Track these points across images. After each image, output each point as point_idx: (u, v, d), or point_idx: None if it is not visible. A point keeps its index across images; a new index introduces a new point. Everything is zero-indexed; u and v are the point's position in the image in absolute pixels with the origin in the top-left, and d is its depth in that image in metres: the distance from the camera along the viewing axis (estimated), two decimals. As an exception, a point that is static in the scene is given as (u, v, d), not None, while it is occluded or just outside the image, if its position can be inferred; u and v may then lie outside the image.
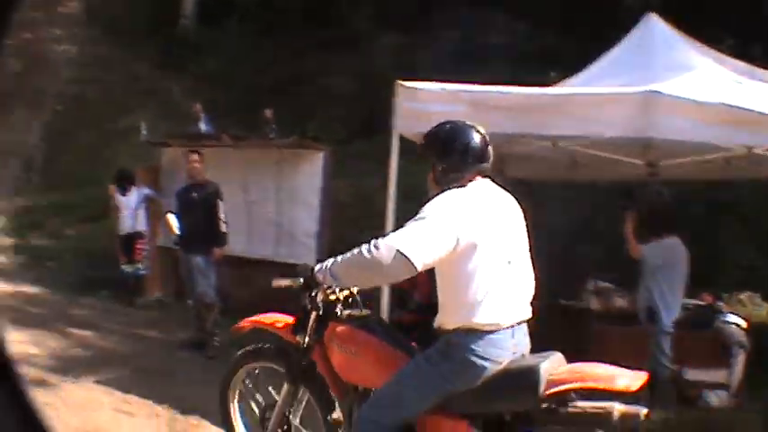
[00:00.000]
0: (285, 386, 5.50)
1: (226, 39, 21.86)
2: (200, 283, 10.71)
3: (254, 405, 5.84)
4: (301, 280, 4.91)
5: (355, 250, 4.48)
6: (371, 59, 18.99)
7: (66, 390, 8.96)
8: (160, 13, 23.43)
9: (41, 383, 9.11)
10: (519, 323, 4.63)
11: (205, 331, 10.74)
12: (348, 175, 13.60)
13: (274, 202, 12.77)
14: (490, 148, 4.77)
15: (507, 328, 4.53)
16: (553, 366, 4.53)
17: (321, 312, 5.10)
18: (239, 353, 6.03)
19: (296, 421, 5.55)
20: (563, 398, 4.47)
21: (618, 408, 4.39)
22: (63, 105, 20.71)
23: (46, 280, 13.37)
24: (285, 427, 5.53)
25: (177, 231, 10.79)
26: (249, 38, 21.53)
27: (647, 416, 4.43)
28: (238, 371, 5.96)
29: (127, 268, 12.74)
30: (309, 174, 12.50)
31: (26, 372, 9.33)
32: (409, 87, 7.95)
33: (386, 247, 4.34)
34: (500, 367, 4.49)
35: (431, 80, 8.10)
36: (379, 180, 9.92)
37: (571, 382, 4.46)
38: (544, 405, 4.48)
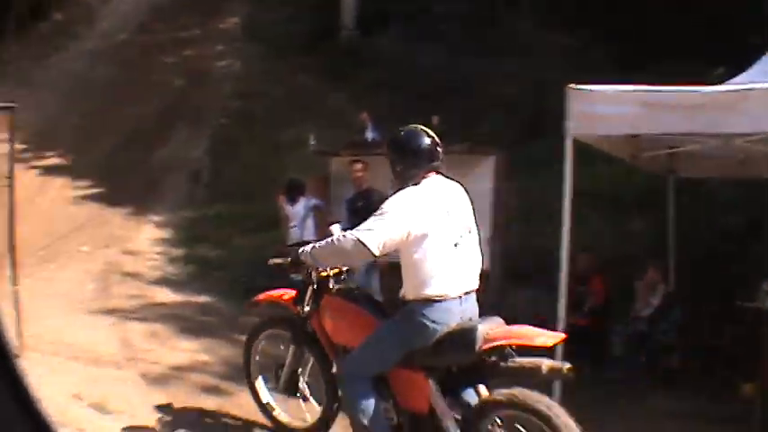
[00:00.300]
0: (291, 348, 7.11)
1: (388, 47, 22.07)
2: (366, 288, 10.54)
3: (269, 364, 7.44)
4: (289, 259, 6.32)
5: (329, 239, 5.97)
6: (535, 62, 18.79)
7: (239, 397, 9.15)
8: (320, 26, 23.82)
9: (214, 391, 9.37)
10: (466, 293, 5.83)
11: None
12: (516, 178, 13.43)
13: None
14: (440, 149, 5.94)
15: (455, 297, 5.74)
16: (491, 328, 5.67)
17: (316, 287, 6.66)
18: (258, 322, 7.86)
19: (305, 378, 7.09)
20: (504, 354, 5.61)
21: (546, 362, 5.57)
22: (228, 119, 21.27)
23: (215, 289, 13.70)
24: (294, 382, 7.14)
25: None
26: (411, 45, 21.61)
27: (569, 369, 5.61)
28: (258, 336, 7.60)
29: (296, 277, 12.88)
30: (480, 178, 12.32)
31: (199, 379, 9.64)
32: (581, 90, 7.99)
33: (351, 237, 5.64)
34: (448, 329, 5.68)
35: (596, 82, 8.08)
36: (549, 183, 9.87)
37: (501, 339, 5.58)
38: (485, 359, 5.63)
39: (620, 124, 8.05)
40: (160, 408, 8.78)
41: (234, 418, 8.56)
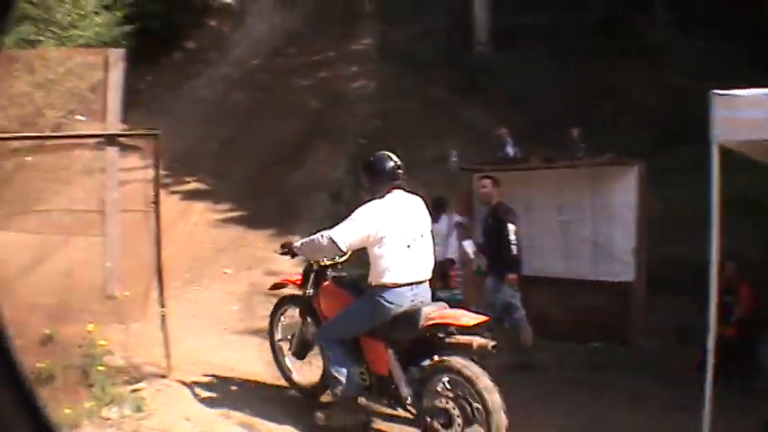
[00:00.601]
0: (299, 321, 8.66)
1: (521, 60, 21.70)
2: (496, 306, 11.01)
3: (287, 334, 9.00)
4: (287, 250, 8.06)
5: (312, 236, 7.53)
6: (668, 67, 18.26)
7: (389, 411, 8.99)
8: (453, 42, 23.65)
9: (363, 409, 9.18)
10: (418, 283, 7.31)
11: (525, 352, 10.88)
12: (657, 188, 12.98)
13: (590, 221, 12.49)
14: (401, 170, 7.41)
15: (406, 285, 7.21)
16: (434, 310, 7.24)
17: (316, 274, 8.26)
18: (278, 300, 9.23)
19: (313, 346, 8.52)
20: (447, 331, 7.13)
21: (476, 340, 7.02)
22: (366, 139, 21.18)
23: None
24: (304, 349, 8.66)
25: (472, 257, 11.87)
26: (543, 57, 21.26)
27: (494, 347, 7.01)
28: (278, 312, 9.13)
29: (442, 294, 12.59)
30: (623, 190, 12.20)
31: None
32: (726, 96, 7.62)
33: (326, 235, 7.23)
34: (401, 309, 7.22)
35: (731, 85, 7.71)
36: (690, 192, 9.56)
37: (437, 319, 7.14)
38: (430, 334, 7.18)
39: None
40: (310, 428, 8.67)
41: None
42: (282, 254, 8.32)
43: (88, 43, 22.11)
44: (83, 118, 12.82)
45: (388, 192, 7.36)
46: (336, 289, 8.05)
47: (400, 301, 7.21)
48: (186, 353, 10.17)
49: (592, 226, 12.44)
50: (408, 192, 7.55)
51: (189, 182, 20.14)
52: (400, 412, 7.68)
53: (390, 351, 7.39)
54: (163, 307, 9.38)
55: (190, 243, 16.97)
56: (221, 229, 17.74)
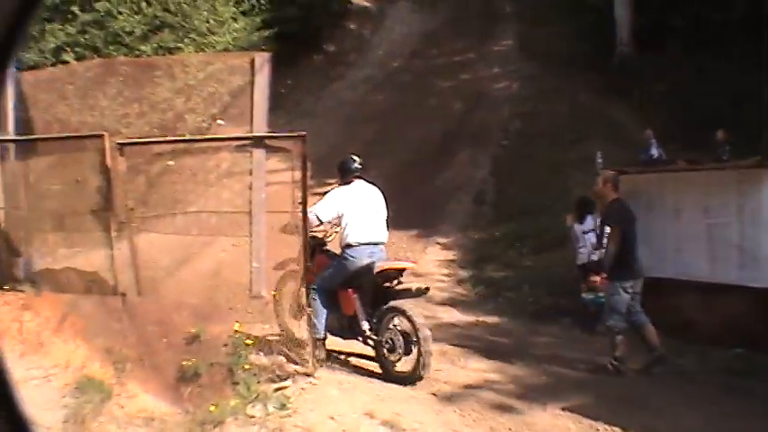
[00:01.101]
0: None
1: (665, 60, 21.28)
2: (606, 311, 10.80)
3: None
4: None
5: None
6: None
7: (532, 416, 9.03)
8: (595, 42, 23.37)
9: (506, 409, 9.25)
10: (374, 244, 9.75)
11: (655, 353, 10.57)
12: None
13: (736, 224, 12.05)
14: (360, 167, 10.19)
15: (364, 244, 9.66)
16: (383, 263, 9.66)
17: (313, 250, 9.85)
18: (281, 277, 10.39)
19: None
20: (398, 279, 9.65)
21: (414, 285, 9.93)
22: (509, 140, 21.21)
23: (505, 309, 13.58)
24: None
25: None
26: (689, 57, 20.76)
27: (426, 289, 10.19)
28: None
29: (587, 296, 12.57)
30: None
31: (489, 398, 9.55)
32: None
33: (311, 211, 9.44)
34: (361, 264, 9.64)
35: None
36: None
37: (383, 267, 9.58)
38: (384, 282, 9.60)
39: None
40: (451, 426, 8.77)
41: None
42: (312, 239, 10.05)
43: (226, 49, 22.84)
44: (222, 122, 13.28)
45: (351, 181, 10.08)
46: (322, 257, 10.23)
47: (360, 257, 9.70)
48: (330, 352, 10.43)
49: (739, 229, 12.02)
50: (368, 182, 10.27)
51: (332, 183, 20.38)
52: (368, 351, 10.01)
53: (356, 296, 9.81)
54: (309, 307, 9.64)
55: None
56: (363, 229, 17.95)
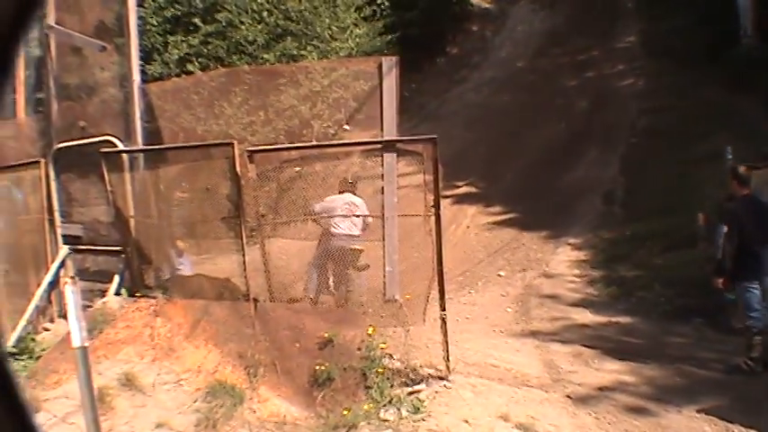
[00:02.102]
0: None
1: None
2: (741, 311, 10.70)
3: None
4: None
5: None
6: None
7: (667, 418, 8.91)
8: (718, 34, 22.71)
9: (641, 412, 9.16)
10: (349, 236, 11.88)
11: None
12: None
13: None
14: (351, 183, 12.27)
15: (342, 235, 11.83)
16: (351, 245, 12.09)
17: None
18: None
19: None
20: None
21: (364, 263, 11.98)
22: (637, 137, 20.80)
23: (637, 310, 13.29)
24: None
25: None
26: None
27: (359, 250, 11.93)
28: None
29: (729, 296, 12.18)
30: None
31: (624, 400, 9.43)
32: None
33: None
34: (339, 247, 11.81)
35: None
36: None
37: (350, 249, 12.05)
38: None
39: None
40: (586, 429, 8.72)
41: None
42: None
43: (349, 54, 23.03)
44: (348, 128, 13.46)
45: (340, 192, 12.14)
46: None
47: (337, 244, 11.85)
48: (463, 355, 10.43)
49: None
50: (354, 194, 12.23)
51: (459, 186, 20.50)
52: None
53: (331, 266, 12.04)
54: (443, 310, 9.64)
55: (462, 247, 17.36)
56: (494, 231, 18.05)
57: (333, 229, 11.93)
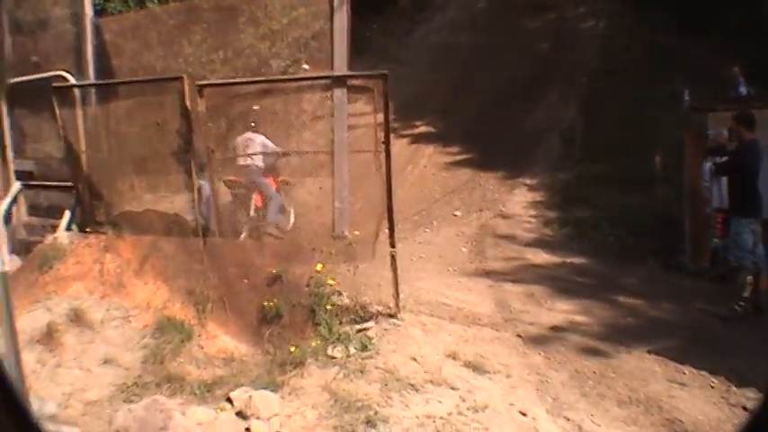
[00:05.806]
0: None
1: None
2: (731, 248, 10.81)
3: None
4: None
5: None
6: None
7: (618, 358, 8.96)
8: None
9: (592, 352, 9.19)
10: (245, 167, 12.17)
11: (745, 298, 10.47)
12: None
13: None
14: (253, 123, 12.20)
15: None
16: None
17: None
18: None
19: None
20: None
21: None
22: (596, 79, 20.66)
23: (591, 250, 13.34)
24: None
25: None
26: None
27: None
28: None
29: (716, 241, 12.20)
30: None
31: (576, 340, 9.46)
32: None
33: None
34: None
35: None
36: None
37: None
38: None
39: None
40: (535, 369, 8.72)
41: (610, 379, 8.52)
42: None
43: (312, -6, 22.61)
44: (307, 67, 13.27)
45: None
46: None
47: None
48: (414, 293, 10.41)
49: None
50: (256, 132, 12.33)
51: (418, 125, 20.37)
52: None
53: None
54: (393, 247, 9.57)
55: (419, 186, 17.23)
56: (451, 171, 17.93)
57: (239, 162, 12.49)
